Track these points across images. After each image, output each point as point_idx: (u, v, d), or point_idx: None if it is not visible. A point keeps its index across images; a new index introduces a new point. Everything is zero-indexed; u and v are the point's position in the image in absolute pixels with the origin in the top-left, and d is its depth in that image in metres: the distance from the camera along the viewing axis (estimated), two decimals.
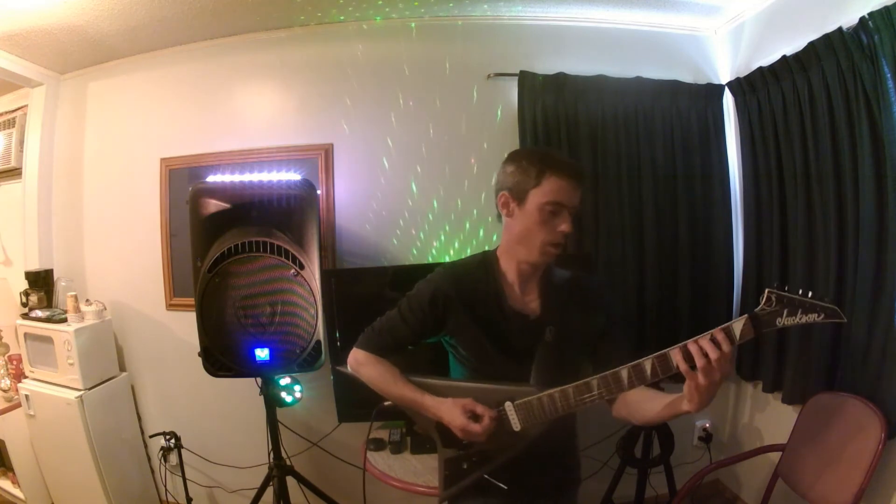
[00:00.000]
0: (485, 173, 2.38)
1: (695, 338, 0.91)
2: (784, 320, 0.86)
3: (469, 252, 2.36)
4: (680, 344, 0.93)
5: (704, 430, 2.54)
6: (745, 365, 2.36)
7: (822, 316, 0.85)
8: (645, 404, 1.08)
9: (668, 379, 0.97)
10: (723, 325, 0.91)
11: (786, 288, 0.88)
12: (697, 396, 0.92)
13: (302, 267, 1.76)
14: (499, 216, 1.20)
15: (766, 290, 0.88)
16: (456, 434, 1.11)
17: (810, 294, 0.87)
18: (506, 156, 1.19)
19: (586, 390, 1.03)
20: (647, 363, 0.96)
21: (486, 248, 1.28)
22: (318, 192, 2.31)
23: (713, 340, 0.89)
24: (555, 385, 1.08)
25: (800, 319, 0.86)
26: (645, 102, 2.34)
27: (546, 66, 2.30)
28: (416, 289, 1.22)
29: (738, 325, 0.89)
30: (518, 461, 1.12)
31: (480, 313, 1.16)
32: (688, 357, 0.91)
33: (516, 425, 1.09)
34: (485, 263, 1.21)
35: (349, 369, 1.26)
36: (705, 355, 0.88)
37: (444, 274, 1.21)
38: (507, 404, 1.10)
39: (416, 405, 1.18)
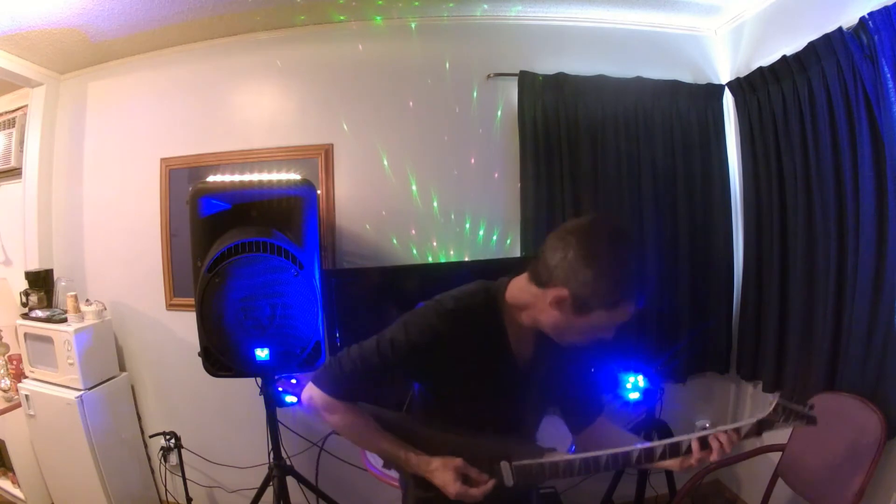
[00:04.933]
0: (485, 173, 2.38)
1: (708, 433, 0.99)
2: (780, 425, 0.97)
3: (469, 253, 2.36)
4: (692, 435, 0.99)
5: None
6: (745, 365, 2.36)
7: (805, 422, 0.96)
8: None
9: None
10: (734, 426, 0.98)
11: (790, 396, 0.98)
12: (685, 468, 1.01)
13: (302, 267, 1.76)
14: (531, 271, 0.98)
15: (776, 402, 0.96)
16: (447, 496, 1.02)
17: (809, 407, 0.97)
18: (584, 236, 0.91)
19: (593, 464, 1.01)
20: (658, 448, 0.99)
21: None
22: (318, 192, 2.31)
23: (723, 439, 0.97)
24: (538, 428, 1.11)
25: (790, 424, 0.97)
26: (645, 102, 2.34)
27: (546, 66, 2.30)
28: (406, 331, 1.00)
29: (744, 427, 0.98)
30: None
31: (478, 360, 1.02)
32: (701, 446, 0.98)
33: (509, 481, 1.03)
34: (489, 305, 1.03)
35: (304, 405, 1.07)
36: (721, 451, 0.97)
37: (443, 316, 1.00)
38: (504, 464, 1.03)
39: (398, 462, 1.06)
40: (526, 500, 1.23)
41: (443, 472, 1.01)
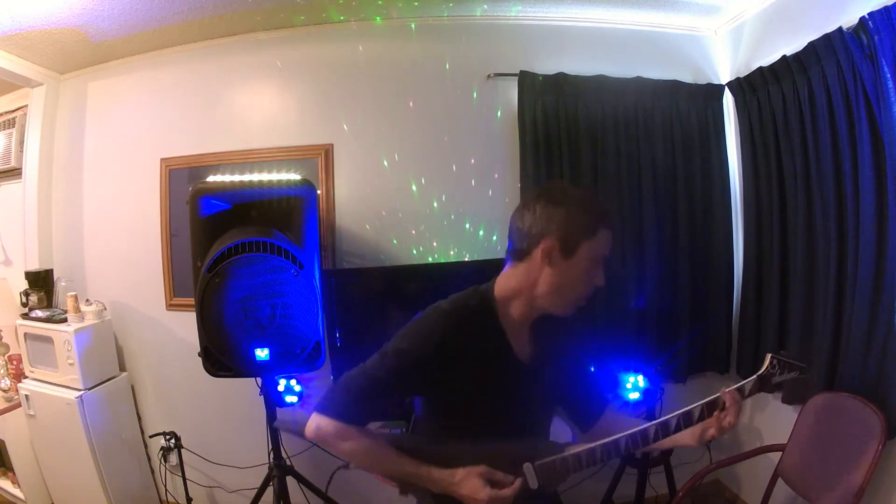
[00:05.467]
0: (485, 173, 2.38)
1: (715, 396, 1.02)
2: (777, 378, 1.04)
3: (469, 253, 2.36)
4: (702, 402, 1.02)
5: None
6: (745, 365, 2.36)
7: (798, 372, 1.04)
8: None
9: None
10: (738, 385, 1.03)
11: (779, 350, 1.08)
12: (706, 440, 1.03)
13: (302, 267, 1.76)
14: (512, 255, 1.05)
15: (769, 356, 1.04)
16: None
17: (784, 352, 1.06)
18: (543, 194, 1.04)
19: (614, 448, 1.01)
20: (673, 420, 1.01)
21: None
22: (318, 192, 2.31)
23: (727, 399, 1.01)
24: (547, 428, 1.12)
25: (786, 376, 1.04)
26: (645, 102, 2.34)
27: (546, 66, 2.30)
28: (409, 341, 1.00)
29: (748, 384, 1.03)
30: None
31: (482, 366, 1.02)
32: (710, 411, 1.01)
33: (534, 483, 1.02)
34: (483, 305, 1.04)
35: (310, 438, 1.02)
36: (735, 410, 1.00)
37: (443, 323, 1.01)
38: (527, 466, 1.02)
39: (419, 480, 1.03)
40: None
41: (469, 480, 0.99)
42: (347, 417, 1.00)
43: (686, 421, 1.01)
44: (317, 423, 1.01)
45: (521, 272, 1.03)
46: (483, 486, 0.97)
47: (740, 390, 1.02)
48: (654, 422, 1.02)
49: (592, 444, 1.01)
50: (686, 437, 1.05)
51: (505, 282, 1.06)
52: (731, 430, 1.03)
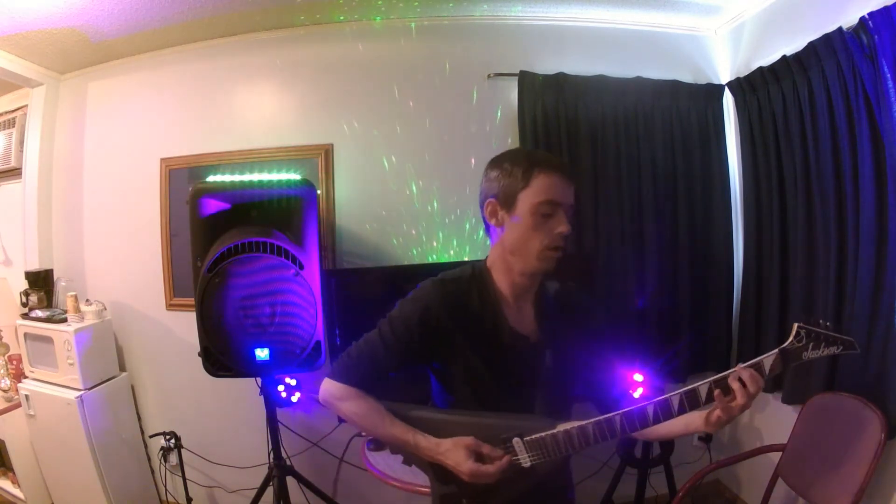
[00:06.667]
0: None
1: (725, 373, 0.92)
2: (809, 354, 0.89)
3: (468, 253, 2.36)
4: (710, 379, 0.92)
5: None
6: None
7: (841, 348, 0.90)
8: (660, 427, 1.00)
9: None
10: (753, 361, 0.91)
11: (816, 321, 0.92)
12: (723, 424, 0.95)
13: (302, 267, 1.76)
14: (486, 229, 1.09)
15: (796, 325, 0.90)
16: (461, 478, 0.99)
17: (828, 324, 0.91)
18: (489, 161, 1.08)
19: (608, 428, 0.95)
20: (675, 399, 0.92)
21: (479, 256, 1.16)
22: (318, 192, 2.31)
23: (745, 376, 0.90)
24: (557, 410, 1.04)
25: (822, 352, 0.90)
26: (645, 102, 2.34)
27: (546, 66, 2.30)
28: (401, 309, 1.06)
29: (768, 360, 0.91)
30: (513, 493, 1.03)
31: (476, 335, 1.03)
32: (723, 391, 0.91)
33: (525, 462, 0.99)
34: (476, 277, 1.08)
35: (321, 402, 1.10)
36: (745, 392, 0.90)
37: (432, 290, 1.05)
38: (516, 440, 0.99)
39: (408, 447, 1.04)
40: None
41: (454, 451, 0.98)
42: (347, 380, 1.07)
43: (691, 401, 0.92)
44: (327, 387, 1.09)
45: (494, 241, 1.08)
46: (467, 457, 0.97)
47: (758, 368, 0.91)
48: (654, 400, 0.94)
49: (585, 422, 0.97)
50: (694, 420, 0.98)
51: (490, 252, 1.10)
52: (741, 413, 0.92)
